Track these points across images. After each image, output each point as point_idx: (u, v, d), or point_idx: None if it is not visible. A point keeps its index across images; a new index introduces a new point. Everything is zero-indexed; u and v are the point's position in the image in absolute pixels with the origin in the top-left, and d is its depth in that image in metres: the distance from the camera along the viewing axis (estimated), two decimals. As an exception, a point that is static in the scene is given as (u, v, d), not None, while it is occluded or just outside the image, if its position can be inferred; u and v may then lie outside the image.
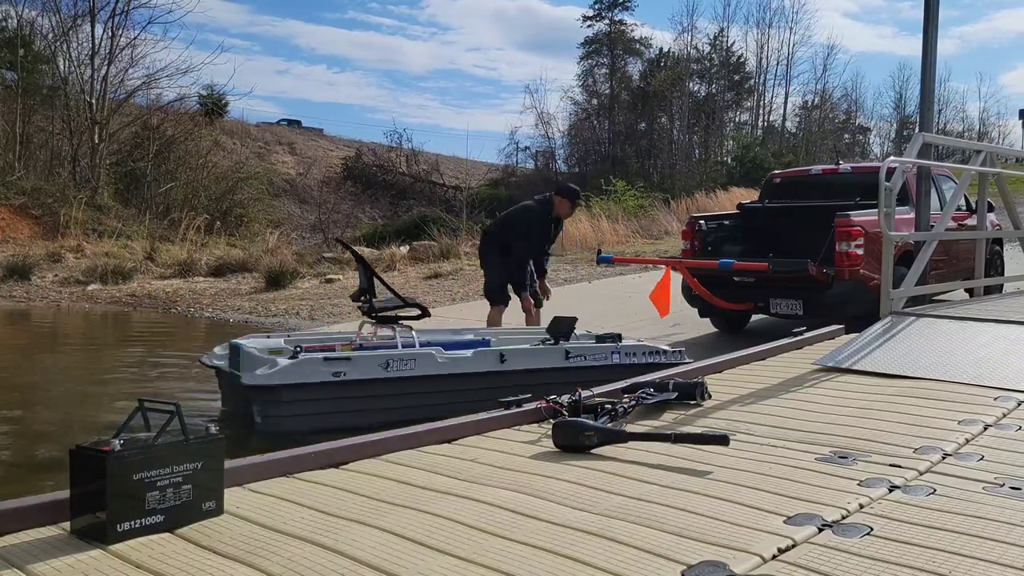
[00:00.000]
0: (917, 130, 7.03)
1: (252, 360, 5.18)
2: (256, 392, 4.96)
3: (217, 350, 5.82)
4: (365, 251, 18.41)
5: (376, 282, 5.79)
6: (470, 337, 6.41)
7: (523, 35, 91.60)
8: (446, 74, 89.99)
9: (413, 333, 5.74)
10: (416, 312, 5.82)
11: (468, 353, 5.51)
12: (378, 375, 5.16)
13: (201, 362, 5.94)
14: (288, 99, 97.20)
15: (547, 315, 6.93)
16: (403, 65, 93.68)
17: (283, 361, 4.98)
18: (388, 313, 5.72)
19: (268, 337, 5.98)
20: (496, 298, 7.36)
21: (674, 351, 6.05)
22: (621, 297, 10.98)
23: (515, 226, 7.46)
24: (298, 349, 5.26)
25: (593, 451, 2.94)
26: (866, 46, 75.88)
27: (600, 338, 6.13)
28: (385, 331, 5.77)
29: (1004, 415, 3.48)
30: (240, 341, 5.57)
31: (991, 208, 8.74)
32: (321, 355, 5.17)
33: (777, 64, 42.93)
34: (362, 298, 5.74)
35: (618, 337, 6.11)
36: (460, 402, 4.95)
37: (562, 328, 6.04)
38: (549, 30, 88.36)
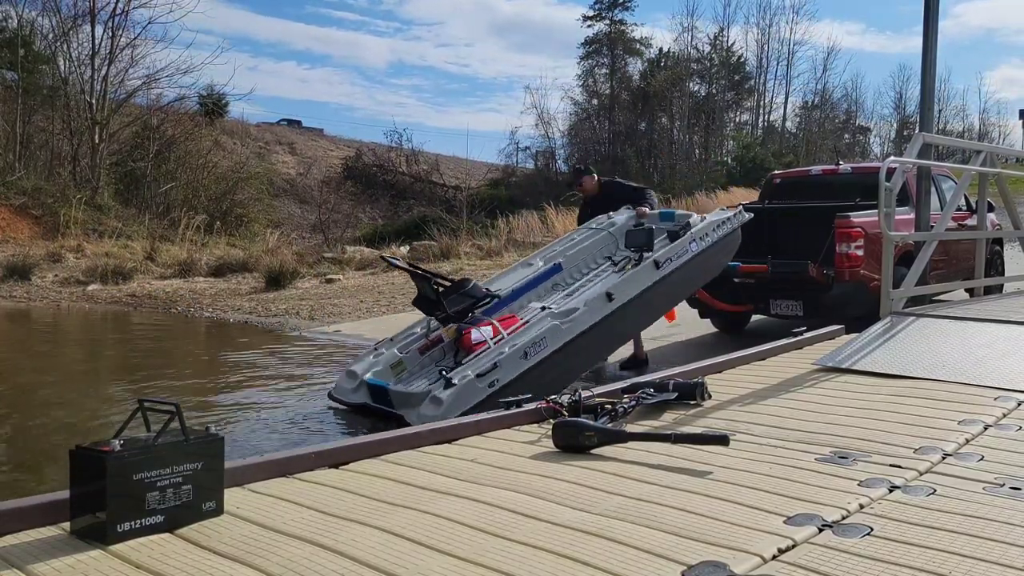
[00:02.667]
0: (917, 130, 7.03)
1: (407, 398, 5.23)
2: None
3: (345, 384, 5.68)
4: (366, 251, 18.45)
5: (436, 286, 5.90)
6: (541, 265, 6.62)
7: (492, 26, 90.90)
8: (419, 70, 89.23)
9: (469, 326, 5.75)
10: (489, 302, 5.98)
11: (581, 306, 5.63)
12: (523, 367, 5.20)
13: (334, 397, 5.76)
14: (266, 97, 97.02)
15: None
16: (367, 60, 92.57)
17: (445, 395, 4.96)
18: (464, 310, 5.84)
19: (374, 354, 5.87)
20: None
21: (735, 213, 6.39)
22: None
23: None
24: (443, 372, 5.23)
25: (593, 451, 2.94)
26: (853, 44, 76.00)
27: (672, 234, 6.28)
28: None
29: (1004, 415, 3.48)
30: (376, 380, 5.50)
31: (991, 208, 8.74)
32: (471, 373, 5.09)
33: (777, 64, 42.98)
34: (438, 313, 5.83)
35: (686, 225, 6.28)
36: (596, 348, 5.58)
37: (641, 239, 6.16)
38: (526, 24, 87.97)
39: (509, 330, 5.60)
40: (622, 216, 7.20)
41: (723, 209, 7.22)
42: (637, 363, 7.17)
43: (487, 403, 4.91)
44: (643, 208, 7.11)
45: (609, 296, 5.64)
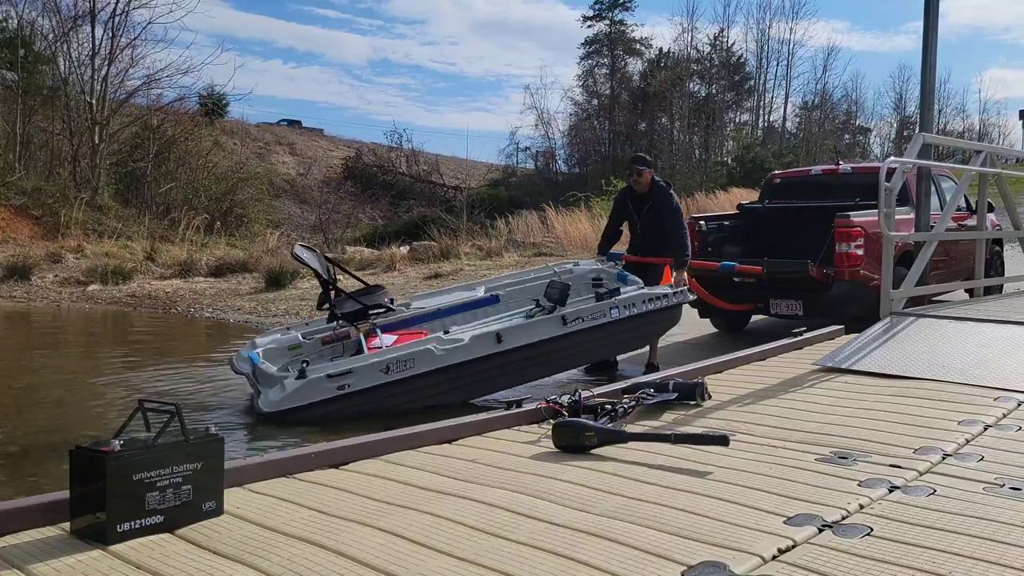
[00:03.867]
0: (917, 130, 7.02)
1: (267, 378, 5.39)
2: (271, 418, 5.16)
3: (244, 353, 5.92)
4: (366, 251, 18.44)
5: (335, 284, 6.13)
6: (482, 293, 6.71)
7: (473, 24, 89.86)
8: (406, 69, 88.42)
9: (378, 330, 5.98)
10: (373, 305, 6.11)
11: (465, 339, 5.54)
12: (380, 380, 5.23)
13: (232, 365, 6.05)
14: (255, 96, 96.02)
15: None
16: (352, 59, 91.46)
17: (291, 383, 5.14)
18: (355, 311, 6.02)
19: (288, 330, 6.20)
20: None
21: (677, 291, 6.15)
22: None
23: None
24: (305, 364, 5.39)
25: (593, 451, 2.94)
26: (839, 43, 75.54)
27: (598, 296, 6.10)
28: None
29: (1004, 415, 3.48)
30: (251, 353, 5.72)
31: (991, 208, 8.74)
32: (324, 372, 5.24)
33: (777, 64, 42.94)
34: (324, 306, 6.08)
35: (615, 291, 6.11)
36: (466, 385, 5.45)
37: (556, 293, 5.95)
38: (504, 22, 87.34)
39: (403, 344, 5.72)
40: (586, 266, 7.18)
41: (668, 285, 6.74)
42: (652, 369, 7.13)
43: (333, 403, 5.10)
44: (607, 266, 7.00)
45: (499, 337, 5.52)
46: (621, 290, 6.20)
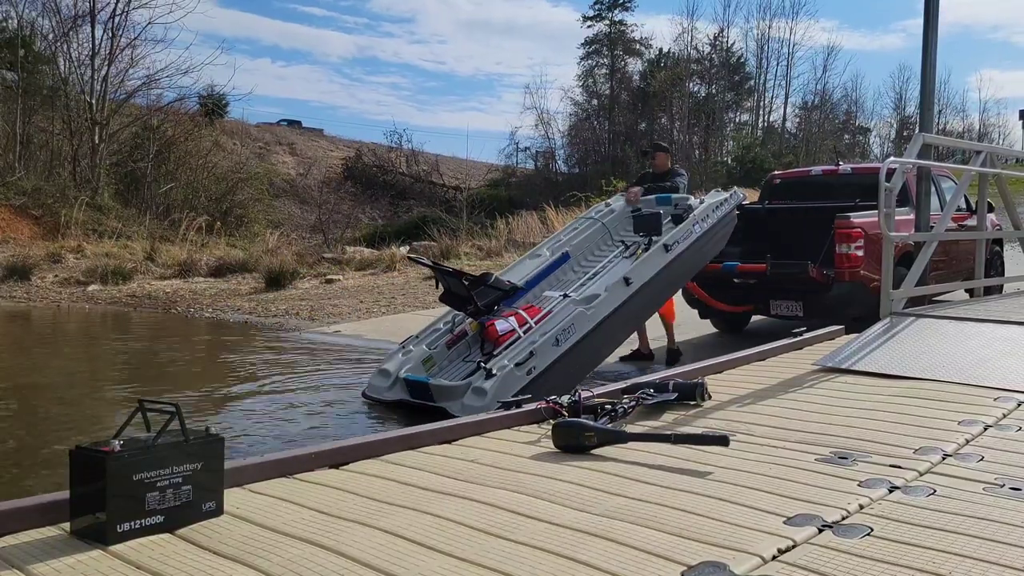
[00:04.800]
0: (917, 130, 7.02)
1: (449, 391, 5.36)
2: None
3: (378, 383, 5.79)
4: (366, 252, 18.44)
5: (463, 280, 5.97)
6: (548, 255, 6.75)
7: (459, 23, 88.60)
8: (395, 68, 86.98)
9: (497, 316, 5.86)
10: (511, 292, 6.07)
11: (603, 292, 5.77)
12: (556, 353, 5.37)
13: (369, 397, 5.85)
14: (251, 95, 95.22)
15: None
16: (341, 57, 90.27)
17: (486, 385, 5.12)
18: (490, 300, 5.94)
19: (403, 352, 5.98)
20: None
21: (731, 193, 6.60)
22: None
23: None
24: (482, 364, 5.37)
25: (593, 452, 2.94)
26: (827, 41, 74.95)
27: (676, 218, 6.46)
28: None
29: (1004, 416, 3.48)
30: (413, 376, 5.64)
31: (991, 208, 8.74)
32: (510, 363, 5.24)
33: (777, 64, 42.99)
34: (468, 307, 5.92)
35: (689, 208, 6.48)
36: (616, 332, 5.77)
37: (650, 224, 6.39)
38: (487, 22, 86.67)
39: (535, 319, 5.74)
40: (620, 202, 7.41)
41: (718, 191, 7.46)
42: (640, 356, 7.20)
43: (527, 390, 5.05)
44: (634, 190, 7.37)
45: (627, 280, 5.84)
46: (691, 206, 6.55)
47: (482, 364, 5.39)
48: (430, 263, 6.82)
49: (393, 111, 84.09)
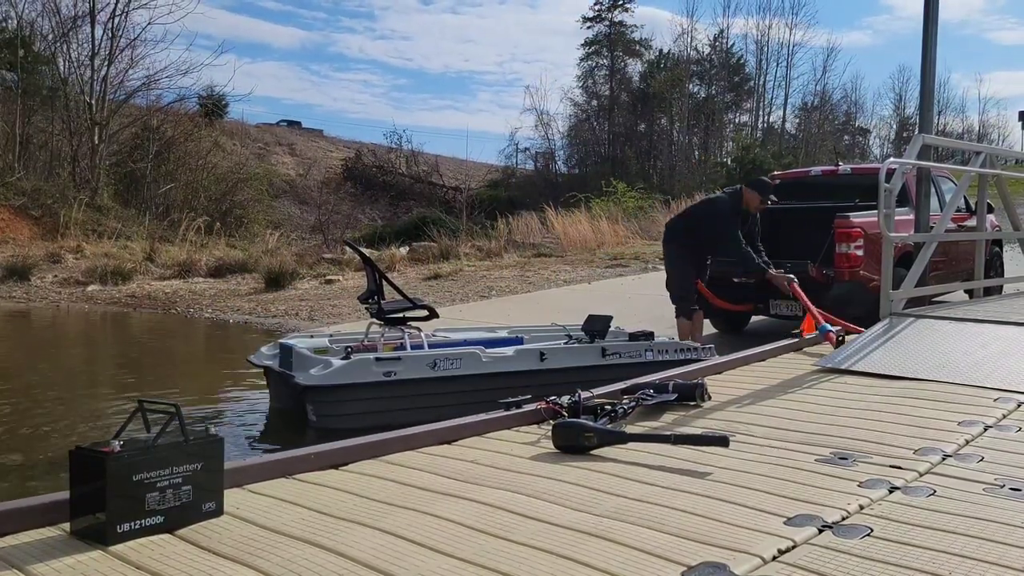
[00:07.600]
0: (917, 131, 7.03)
1: (305, 361, 5.32)
2: (312, 392, 5.07)
3: (265, 350, 5.93)
4: (366, 252, 18.45)
5: (384, 284, 5.86)
6: (504, 335, 6.58)
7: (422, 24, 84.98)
8: (364, 64, 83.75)
9: (421, 334, 5.81)
10: (424, 313, 5.87)
11: (510, 351, 5.62)
12: (426, 374, 5.27)
13: (249, 361, 6.00)
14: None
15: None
16: (305, 54, 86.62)
17: (337, 362, 5.12)
18: (396, 315, 5.78)
19: (311, 337, 6.12)
20: (681, 305, 6.92)
21: (705, 347, 6.12)
22: (621, 298, 10.97)
23: (703, 221, 7.01)
24: (349, 350, 5.46)
25: (593, 452, 2.94)
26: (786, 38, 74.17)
27: (633, 336, 6.25)
28: (393, 332, 5.79)
29: (1004, 416, 3.48)
30: (290, 342, 5.70)
31: (990, 209, 8.74)
32: (372, 356, 5.26)
33: (776, 65, 42.97)
34: (370, 300, 5.81)
35: (651, 335, 6.23)
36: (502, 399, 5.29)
37: (597, 326, 6.18)
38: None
39: (428, 343, 5.71)
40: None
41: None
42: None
43: (377, 389, 5.09)
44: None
45: (542, 355, 5.57)
46: (654, 334, 6.25)
47: (349, 349, 5.46)
48: (364, 254, 6.68)
49: (370, 110, 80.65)
